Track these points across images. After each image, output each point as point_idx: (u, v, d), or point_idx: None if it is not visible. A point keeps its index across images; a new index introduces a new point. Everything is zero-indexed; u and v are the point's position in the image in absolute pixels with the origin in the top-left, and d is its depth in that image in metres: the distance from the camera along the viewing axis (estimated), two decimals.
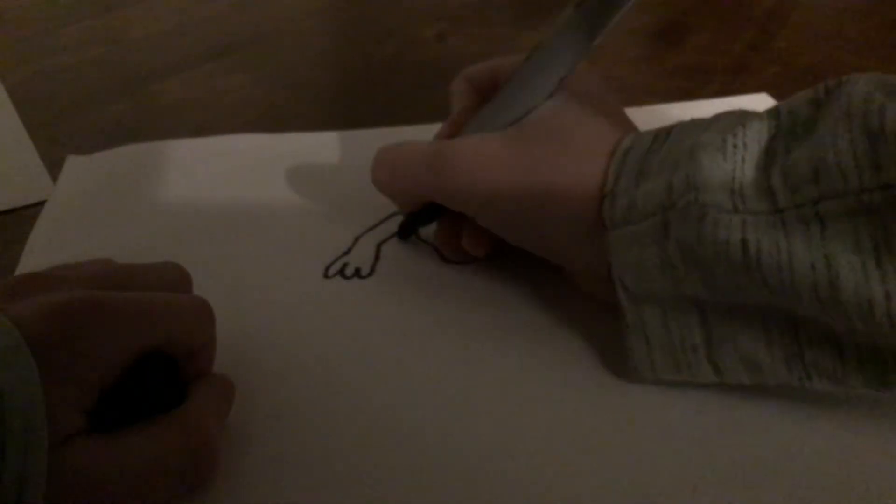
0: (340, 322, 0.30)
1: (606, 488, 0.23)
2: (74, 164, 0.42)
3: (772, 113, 0.23)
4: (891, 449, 0.23)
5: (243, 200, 0.38)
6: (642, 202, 0.24)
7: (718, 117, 0.25)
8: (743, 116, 0.24)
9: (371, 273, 0.33)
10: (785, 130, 0.22)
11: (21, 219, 0.38)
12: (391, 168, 0.31)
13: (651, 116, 0.29)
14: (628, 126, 0.29)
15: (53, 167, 0.41)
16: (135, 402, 0.21)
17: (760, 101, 0.46)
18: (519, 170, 0.27)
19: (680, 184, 0.23)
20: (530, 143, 0.27)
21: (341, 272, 0.33)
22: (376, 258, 0.34)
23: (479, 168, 0.27)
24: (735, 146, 0.22)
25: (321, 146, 0.43)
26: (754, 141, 0.22)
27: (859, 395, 0.25)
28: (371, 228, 0.36)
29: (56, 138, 0.46)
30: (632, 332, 0.26)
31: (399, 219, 0.35)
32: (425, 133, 0.44)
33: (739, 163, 0.22)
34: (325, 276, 0.33)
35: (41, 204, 0.39)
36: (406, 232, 0.34)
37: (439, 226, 0.33)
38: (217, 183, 0.40)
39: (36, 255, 0.35)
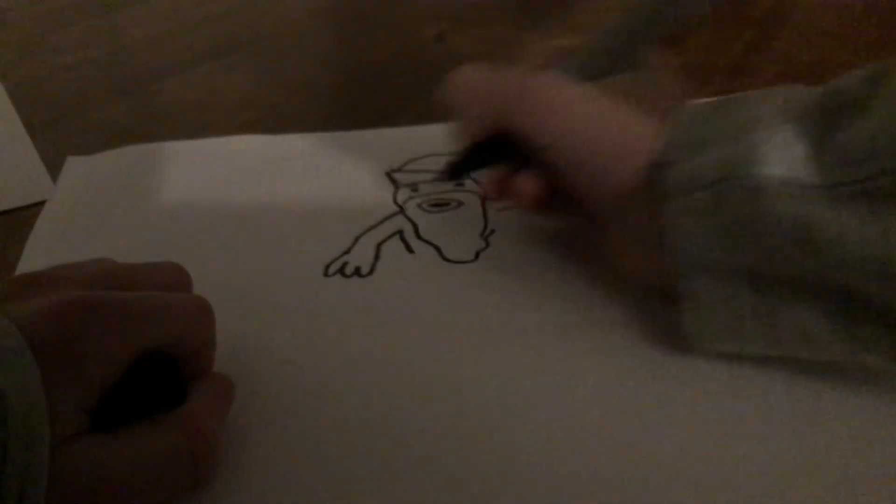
0: (340, 320, 0.30)
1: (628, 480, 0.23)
2: (74, 164, 0.42)
3: (826, 91, 0.23)
4: None
5: (243, 200, 0.38)
6: (698, 173, 0.24)
7: (774, 91, 0.25)
8: (798, 93, 0.24)
9: (371, 272, 0.33)
10: (839, 107, 0.22)
11: (21, 219, 0.38)
12: (477, 83, 0.31)
13: None
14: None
15: (53, 167, 0.41)
16: (135, 402, 0.21)
17: None
18: (597, 110, 0.28)
19: (736, 158, 0.23)
20: (608, 96, 0.28)
21: (341, 271, 0.33)
22: (376, 257, 0.34)
23: (564, 100, 0.28)
24: (791, 121, 0.23)
25: (321, 146, 0.43)
26: (811, 116, 0.23)
27: None
28: (371, 228, 0.36)
29: (56, 138, 0.46)
30: (686, 304, 0.26)
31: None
32: (425, 133, 0.44)
33: (795, 137, 0.22)
34: (325, 274, 0.33)
35: (41, 204, 0.39)
36: (458, 170, 0.34)
37: (494, 169, 0.32)
38: (217, 183, 0.40)
39: (36, 255, 0.35)
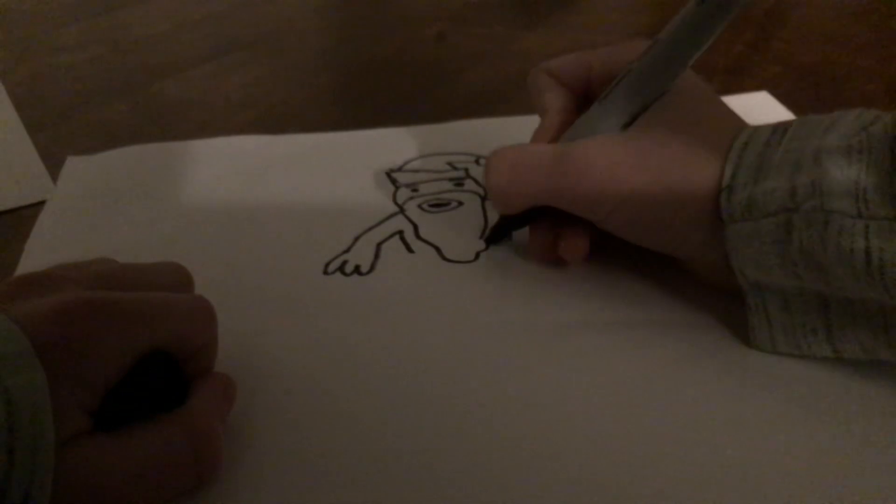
0: (340, 319, 0.30)
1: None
2: (74, 164, 0.42)
3: (890, 122, 0.23)
4: None
5: (243, 200, 0.38)
6: (763, 200, 0.24)
7: (842, 116, 0.25)
8: (866, 117, 0.24)
9: (371, 271, 0.33)
10: None
11: (21, 219, 0.38)
12: (512, 169, 0.29)
13: None
14: (738, 121, 0.29)
15: (53, 167, 0.41)
16: (138, 402, 0.21)
17: (761, 100, 0.46)
18: (647, 170, 0.26)
19: (804, 188, 0.23)
20: (654, 142, 0.27)
21: (341, 269, 0.33)
22: (376, 256, 0.34)
23: (608, 171, 0.27)
24: (861, 151, 0.22)
25: (321, 146, 0.43)
26: (879, 144, 0.22)
27: None
28: (371, 228, 0.36)
29: (56, 138, 0.46)
30: (753, 314, 0.26)
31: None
32: (425, 133, 0.44)
33: (864, 167, 0.22)
34: (325, 272, 0.33)
35: (41, 204, 0.39)
36: (498, 236, 0.33)
37: (532, 231, 0.32)
38: (217, 183, 0.40)
39: (36, 255, 0.35)
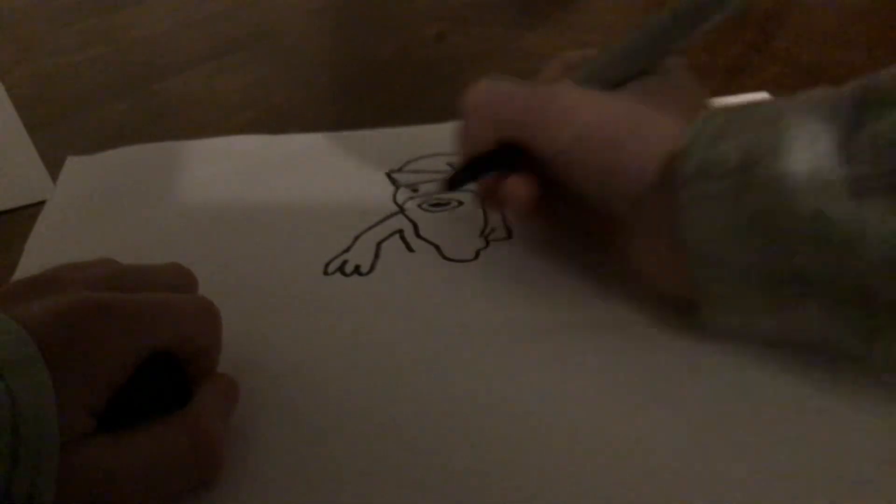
0: (340, 319, 0.30)
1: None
2: (74, 164, 0.42)
3: (855, 86, 0.23)
4: None
5: (243, 200, 0.38)
6: (719, 160, 0.24)
7: (802, 93, 0.25)
8: (826, 91, 0.24)
9: (371, 271, 0.33)
10: (869, 102, 0.22)
11: (21, 219, 0.38)
12: (487, 96, 0.31)
13: None
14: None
15: (53, 167, 0.41)
16: (141, 403, 0.21)
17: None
18: (612, 115, 0.27)
19: (758, 147, 0.23)
20: (626, 97, 0.28)
21: (341, 269, 0.33)
22: (376, 256, 0.34)
23: (578, 106, 0.28)
24: (819, 114, 0.22)
25: (321, 146, 0.43)
26: (837, 109, 0.22)
27: None
28: (371, 227, 0.36)
29: (56, 138, 0.46)
30: (699, 292, 0.26)
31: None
32: (425, 133, 0.44)
33: (822, 131, 0.22)
34: (325, 272, 0.33)
35: (41, 204, 0.39)
36: (458, 180, 0.32)
37: (485, 181, 0.32)
38: (217, 183, 0.40)
39: (36, 255, 0.35)
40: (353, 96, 0.54)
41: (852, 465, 0.23)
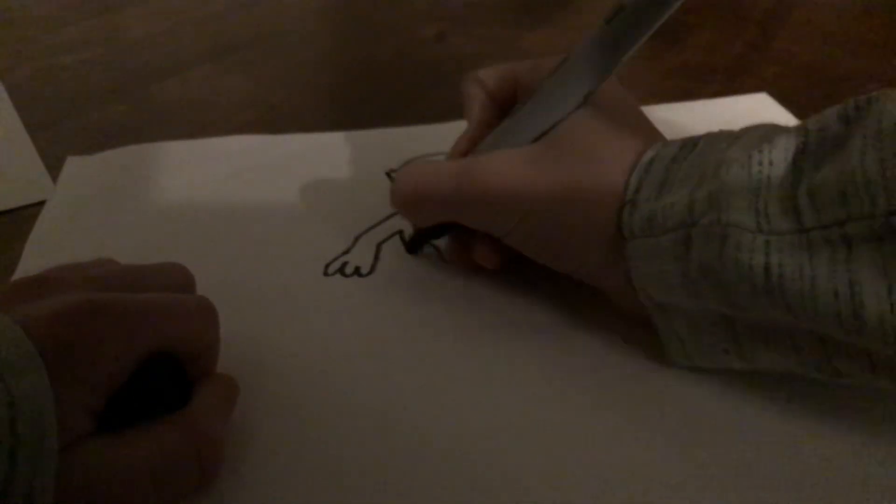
0: (341, 320, 0.30)
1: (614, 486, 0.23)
2: (74, 164, 0.42)
3: (800, 129, 0.22)
4: None
5: (243, 200, 0.38)
6: (663, 216, 0.23)
7: (746, 131, 0.24)
8: (771, 132, 0.23)
9: (371, 272, 0.33)
10: (813, 147, 0.22)
11: (21, 219, 0.38)
12: (414, 188, 0.29)
13: (651, 116, 0.29)
14: (655, 136, 0.28)
15: (53, 167, 0.41)
16: (140, 403, 0.21)
17: (760, 101, 0.46)
18: (546, 185, 0.26)
19: (703, 201, 0.22)
20: (557, 157, 0.26)
21: (341, 270, 0.33)
22: (376, 257, 0.34)
23: (507, 185, 0.26)
24: (761, 163, 0.22)
25: (321, 146, 0.43)
26: (781, 159, 0.22)
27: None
28: (371, 228, 0.36)
29: (56, 138, 0.46)
30: (662, 333, 0.26)
31: (390, 229, 0.35)
32: (425, 133, 0.44)
33: (765, 181, 0.21)
34: (325, 274, 0.33)
35: (41, 204, 0.39)
36: (416, 246, 0.34)
37: (450, 240, 0.32)
38: (217, 183, 0.40)
39: (36, 255, 0.35)
40: (353, 96, 0.54)
41: (843, 476, 0.23)
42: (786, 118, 0.43)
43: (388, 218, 0.36)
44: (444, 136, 0.43)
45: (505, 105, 0.31)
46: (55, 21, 0.69)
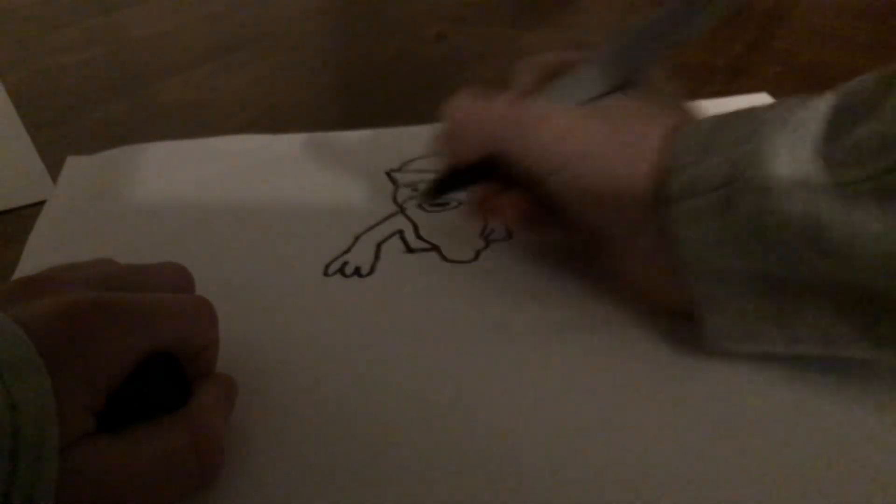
0: (340, 320, 0.30)
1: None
2: (74, 164, 0.42)
3: (837, 92, 0.23)
4: None
5: (243, 200, 0.38)
6: (705, 176, 0.24)
7: (781, 101, 0.25)
8: (806, 98, 0.24)
9: (371, 272, 0.33)
10: (852, 105, 0.22)
11: (21, 219, 0.38)
12: (467, 111, 0.30)
13: None
14: (693, 115, 0.29)
15: (53, 167, 0.41)
16: (140, 403, 0.21)
17: (760, 101, 0.46)
18: (596, 130, 0.27)
19: (744, 158, 0.23)
20: (612, 116, 0.28)
21: (341, 270, 0.33)
22: (376, 257, 0.34)
23: (559, 123, 0.27)
24: (800, 120, 0.22)
25: (321, 146, 0.43)
26: (819, 116, 0.22)
27: None
28: (371, 228, 0.36)
29: (56, 138, 0.46)
30: (701, 306, 0.26)
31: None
32: (425, 133, 0.44)
33: (804, 137, 0.22)
34: (325, 274, 0.33)
35: (41, 204, 0.39)
36: (443, 188, 0.32)
37: (479, 186, 0.32)
38: (217, 183, 0.40)
39: (36, 255, 0.34)
40: (353, 96, 0.54)
41: (853, 465, 0.23)
42: None
43: (388, 218, 0.36)
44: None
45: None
46: (55, 21, 0.69)
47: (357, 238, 0.35)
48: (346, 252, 0.34)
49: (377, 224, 0.36)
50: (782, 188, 0.22)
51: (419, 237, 0.35)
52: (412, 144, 0.42)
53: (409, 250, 0.34)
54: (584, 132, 0.27)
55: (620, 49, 0.29)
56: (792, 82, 0.51)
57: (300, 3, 0.75)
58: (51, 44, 0.64)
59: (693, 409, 0.25)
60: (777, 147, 0.22)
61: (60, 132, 0.48)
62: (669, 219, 0.25)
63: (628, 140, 0.26)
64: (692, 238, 0.24)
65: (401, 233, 0.35)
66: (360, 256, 0.34)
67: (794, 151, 0.22)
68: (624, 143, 0.26)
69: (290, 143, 0.44)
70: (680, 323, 0.28)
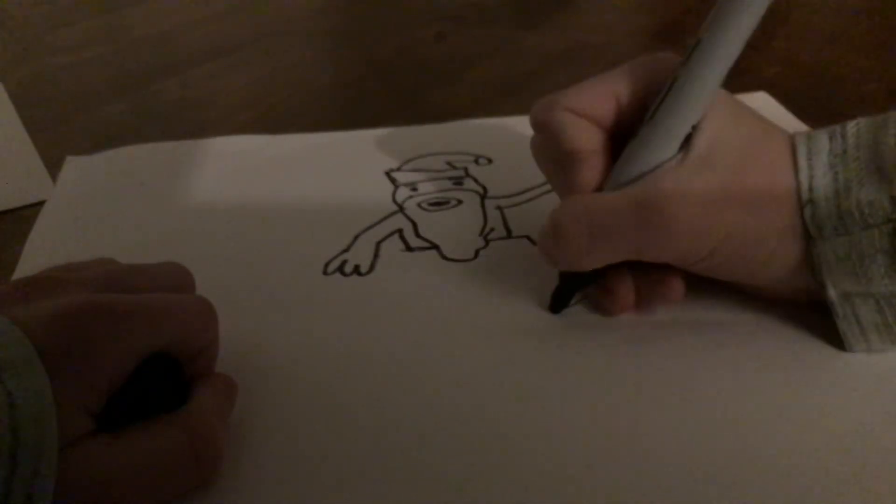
0: (340, 319, 0.30)
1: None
2: (74, 164, 0.42)
3: None
4: None
5: (243, 200, 0.38)
6: (859, 213, 0.24)
7: (890, 115, 0.25)
8: None
9: (370, 270, 0.33)
10: None
11: (21, 219, 0.38)
12: (589, 229, 0.26)
13: None
14: (775, 128, 0.27)
15: (53, 167, 0.41)
16: (139, 403, 0.21)
17: (760, 101, 0.46)
18: (733, 201, 0.25)
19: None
20: (728, 165, 0.25)
21: (340, 269, 0.33)
22: (375, 256, 0.34)
23: (696, 212, 0.25)
24: None
25: (321, 146, 0.43)
26: None
27: None
28: (370, 227, 0.36)
29: (56, 138, 0.46)
30: (843, 322, 0.26)
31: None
32: (425, 133, 0.44)
33: None
34: (325, 273, 0.33)
35: (41, 204, 0.39)
36: (566, 299, 0.30)
37: (613, 282, 0.29)
38: (217, 183, 0.40)
39: (36, 255, 0.35)
40: (353, 96, 0.54)
41: (857, 459, 0.23)
42: (786, 118, 0.43)
43: (387, 217, 0.36)
44: (444, 136, 0.43)
45: (607, 129, 0.28)
46: (55, 21, 0.69)
47: (356, 237, 0.35)
48: (345, 251, 0.34)
49: (377, 223, 0.36)
50: None
51: (419, 236, 0.35)
52: (412, 144, 0.42)
53: (409, 249, 0.34)
54: (719, 204, 0.25)
55: (702, 62, 0.26)
56: (792, 82, 0.51)
57: (301, 4, 0.75)
58: (51, 44, 0.64)
59: (694, 408, 0.25)
60: None
61: (60, 132, 0.48)
62: (817, 253, 0.25)
63: (764, 187, 0.25)
64: (845, 270, 0.25)
65: (400, 231, 0.35)
66: (360, 255, 0.34)
67: None
68: (762, 193, 0.25)
69: (290, 143, 0.44)
70: (680, 322, 0.28)
